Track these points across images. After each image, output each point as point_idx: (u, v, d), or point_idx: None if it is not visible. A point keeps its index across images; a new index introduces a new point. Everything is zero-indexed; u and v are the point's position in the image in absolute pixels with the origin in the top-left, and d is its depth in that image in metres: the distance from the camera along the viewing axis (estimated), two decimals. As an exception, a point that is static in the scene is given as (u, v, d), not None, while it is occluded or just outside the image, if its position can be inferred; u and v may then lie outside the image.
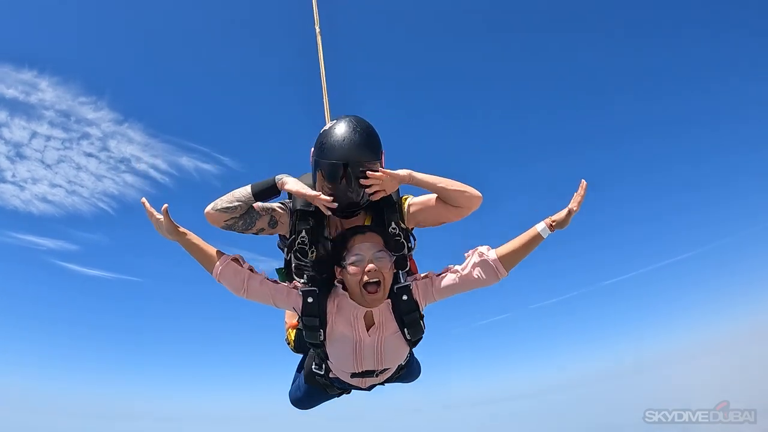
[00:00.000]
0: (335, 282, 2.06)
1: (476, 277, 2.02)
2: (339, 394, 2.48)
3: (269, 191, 2.03)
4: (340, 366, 2.14)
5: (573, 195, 2.03)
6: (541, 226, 2.00)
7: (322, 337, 2.02)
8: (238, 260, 2.03)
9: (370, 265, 1.88)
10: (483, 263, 2.01)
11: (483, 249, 2.05)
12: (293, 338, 2.57)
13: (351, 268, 1.90)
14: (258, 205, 2.09)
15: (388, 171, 1.96)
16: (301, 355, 2.73)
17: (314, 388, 2.46)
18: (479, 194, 2.08)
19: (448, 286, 2.05)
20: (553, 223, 2.00)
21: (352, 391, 2.49)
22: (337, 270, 2.00)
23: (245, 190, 2.02)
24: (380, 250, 1.92)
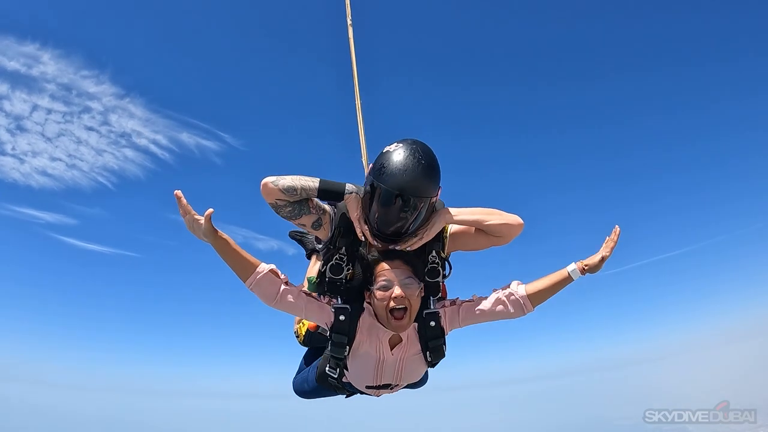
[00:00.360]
0: (365, 303, 2.08)
1: (502, 309, 2.07)
2: (347, 396, 2.50)
3: (334, 196, 2.03)
4: (358, 380, 2.18)
5: (605, 240, 2.09)
6: (572, 268, 2.06)
7: (346, 353, 2.04)
8: (275, 272, 1.99)
9: (398, 291, 1.88)
10: (512, 299, 2.07)
11: (513, 285, 2.11)
12: (304, 333, 2.58)
13: (378, 293, 1.91)
14: (313, 201, 2.09)
15: (428, 232, 1.98)
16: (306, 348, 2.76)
17: (323, 388, 2.48)
18: (520, 222, 2.07)
19: (475, 316, 2.09)
20: (585, 267, 2.05)
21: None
22: (366, 293, 2.02)
23: (312, 183, 2.00)
24: (408, 277, 1.92)
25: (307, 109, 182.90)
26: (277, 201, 2.01)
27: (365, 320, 2.03)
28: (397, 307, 1.89)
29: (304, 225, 2.12)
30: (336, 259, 2.09)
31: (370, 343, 2.04)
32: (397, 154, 1.89)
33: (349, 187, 2.02)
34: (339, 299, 2.13)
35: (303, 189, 1.98)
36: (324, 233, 2.14)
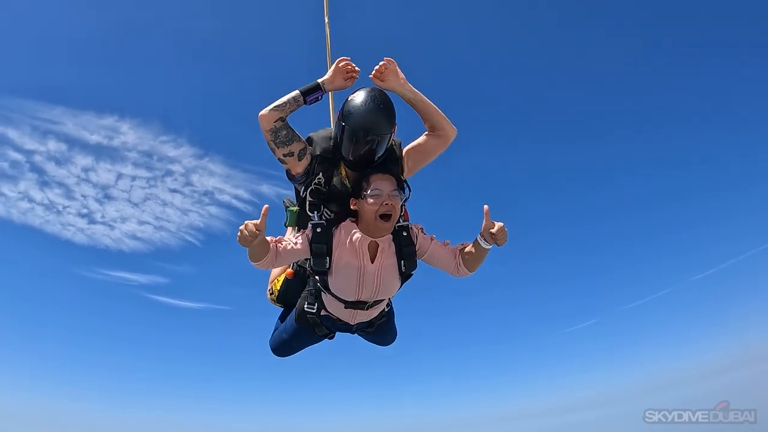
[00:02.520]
0: (345, 217, 2.37)
1: (449, 256, 2.41)
2: (326, 336, 2.73)
3: (314, 87, 2.35)
4: (341, 293, 2.38)
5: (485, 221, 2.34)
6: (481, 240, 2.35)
7: (328, 265, 2.30)
8: (273, 246, 2.26)
9: (387, 199, 2.19)
10: (456, 251, 2.41)
11: (460, 249, 2.43)
12: (279, 288, 2.83)
13: (370, 200, 2.21)
14: (296, 133, 2.39)
15: (394, 64, 2.35)
16: (280, 309, 2.96)
17: (302, 328, 2.68)
18: (455, 128, 2.46)
19: (432, 249, 2.39)
20: (482, 237, 2.32)
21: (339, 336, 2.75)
22: (353, 202, 2.31)
23: (294, 92, 2.33)
24: (395, 189, 2.24)
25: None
26: (275, 124, 2.30)
27: (343, 232, 2.30)
28: (386, 213, 2.20)
29: (292, 154, 2.36)
30: (315, 183, 2.41)
31: (352, 253, 2.30)
32: (358, 97, 2.27)
33: (320, 79, 2.38)
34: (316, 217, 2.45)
35: (290, 99, 2.32)
36: (302, 164, 2.41)
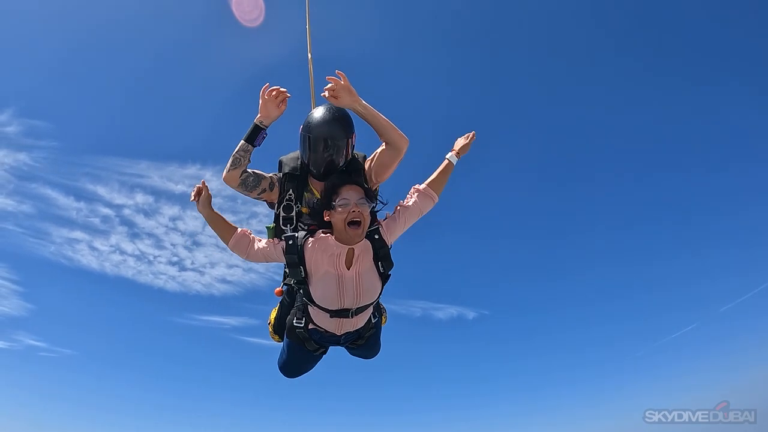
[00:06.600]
0: (318, 229, 2.50)
1: (417, 202, 2.58)
2: (316, 351, 2.81)
3: (254, 129, 2.52)
4: (324, 302, 2.47)
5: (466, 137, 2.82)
6: (449, 155, 2.73)
7: (303, 274, 2.45)
8: (246, 234, 2.56)
9: (355, 207, 2.32)
10: (419, 194, 2.60)
11: (413, 188, 2.63)
12: (274, 317, 2.98)
13: (339, 209, 2.33)
14: (260, 173, 2.62)
15: (345, 78, 2.45)
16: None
17: (294, 344, 2.78)
18: (407, 138, 2.59)
19: (404, 216, 2.55)
20: (458, 151, 2.75)
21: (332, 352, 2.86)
22: (326, 214, 2.43)
23: (239, 143, 2.51)
24: (362, 198, 2.38)
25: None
26: (241, 178, 2.53)
27: (315, 242, 2.43)
28: (354, 220, 2.33)
29: (265, 191, 2.63)
30: (286, 200, 2.61)
31: (328, 262, 2.41)
32: (316, 112, 2.49)
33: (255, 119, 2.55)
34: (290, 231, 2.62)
35: (239, 151, 2.50)
36: (276, 192, 2.66)
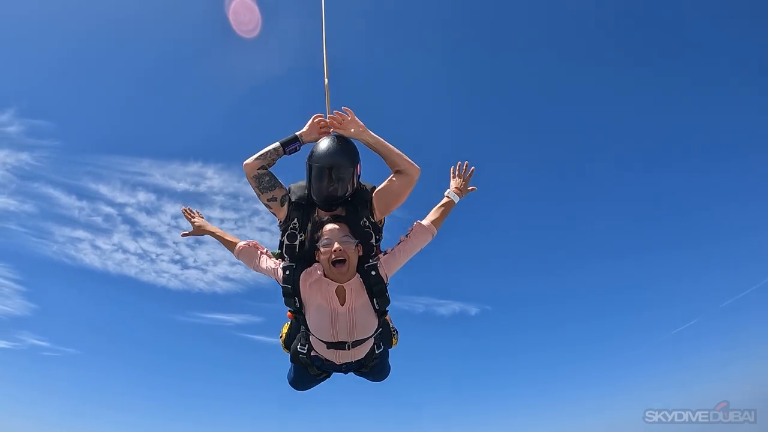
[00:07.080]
0: (315, 264, 2.48)
1: (419, 238, 2.60)
2: (319, 375, 2.85)
3: (292, 140, 2.59)
4: (319, 334, 2.48)
5: (460, 175, 2.88)
6: (448, 192, 2.80)
7: (298, 304, 2.47)
8: (254, 244, 2.70)
9: (336, 246, 2.32)
10: (420, 228, 2.63)
11: (416, 223, 2.68)
12: (285, 332, 2.97)
13: (322, 249, 2.36)
14: (279, 181, 2.63)
15: (351, 114, 2.49)
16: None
17: (299, 367, 2.83)
18: (418, 166, 2.54)
19: (405, 252, 2.55)
20: (457, 190, 2.81)
21: (333, 375, 2.89)
22: (316, 253, 2.44)
23: (275, 143, 2.58)
24: (346, 235, 2.36)
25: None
26: (258, 171, 2.54)
27: (309, 275, 2.43)
28: (337, 259, 2.32)
29: (275, 199, 2.61)
30: (291, 228, 2.58)
31: (321, 296, 2.41)
32: (321, 142, 2.51)
33: (298, 132, 2.62)
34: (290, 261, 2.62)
35: (271, 149, 2.55)
36: (283, 211, 2.63)
